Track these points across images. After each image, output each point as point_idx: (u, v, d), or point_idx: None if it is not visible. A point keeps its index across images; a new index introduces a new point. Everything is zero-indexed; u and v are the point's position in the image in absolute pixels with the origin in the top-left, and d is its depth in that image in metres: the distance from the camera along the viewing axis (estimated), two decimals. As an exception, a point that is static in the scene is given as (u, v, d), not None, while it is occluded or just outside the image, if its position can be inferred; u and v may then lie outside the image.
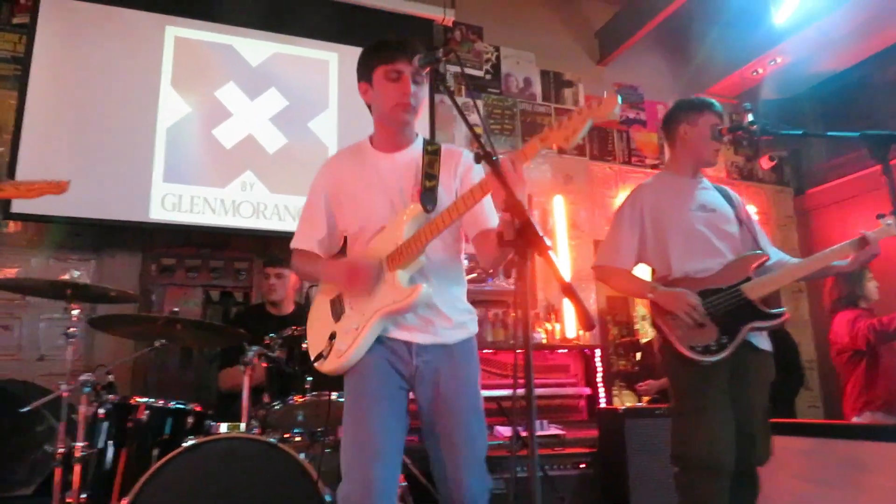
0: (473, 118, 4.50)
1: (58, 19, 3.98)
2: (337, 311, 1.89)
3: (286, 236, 4.08)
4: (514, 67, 5.52)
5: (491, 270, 4.47)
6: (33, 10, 3.98)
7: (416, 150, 1.97)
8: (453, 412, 1.80)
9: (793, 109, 5.74)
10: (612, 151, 5.71)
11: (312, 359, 1.88)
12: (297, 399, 2.55)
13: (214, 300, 4.10)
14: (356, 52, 4.61)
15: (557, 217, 5.20)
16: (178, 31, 4.19)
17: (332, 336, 1.84)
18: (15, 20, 4.13)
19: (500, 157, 1.56)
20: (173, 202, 3.94)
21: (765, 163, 6.13)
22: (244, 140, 4.18)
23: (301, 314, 3.49)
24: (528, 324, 1.35)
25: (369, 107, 2.01)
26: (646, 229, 2.50)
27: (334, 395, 2.51)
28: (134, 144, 3.93)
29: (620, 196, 5.55)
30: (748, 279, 2.36)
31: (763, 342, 2.40)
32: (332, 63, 4.51)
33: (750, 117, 2.56)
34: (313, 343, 1.93)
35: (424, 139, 2.02)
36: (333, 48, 4.51)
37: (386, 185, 1.91)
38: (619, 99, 1.49)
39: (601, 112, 1.51)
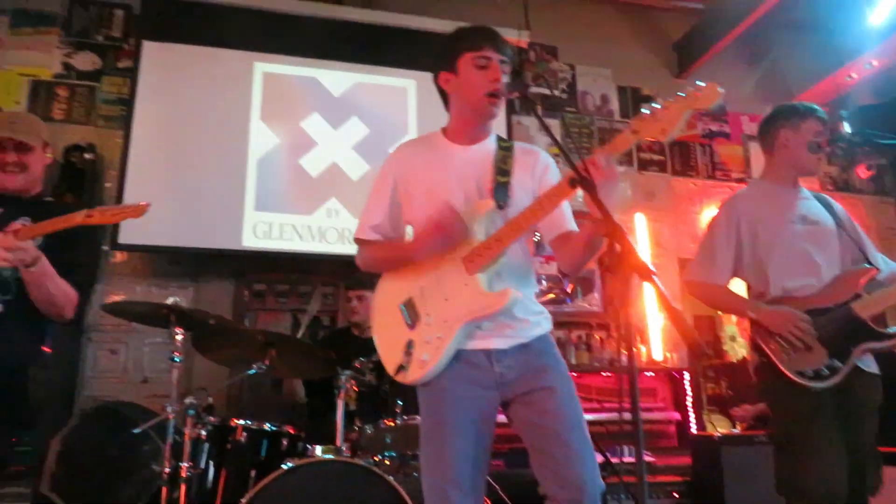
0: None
1: (158, 62, 4.26)
2: (411, 317, 1.80)
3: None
4: (591, 85, 5.47)
5: (571, 274, 4.33)
6: (136, 55, 4.29)
7: (491, 144, 1.91)
8: (552, 406, 1.71)
9: (891, 114, 5.40)
10: (694, 166, 5.54)
11: (392, 371, 1.78)
12: (388, 422, 2.58)
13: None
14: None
15: (639, 235, 5.09)
16: (265, 67, 4.41)
17: (410, 345, 1.75)
18: (120, 64, 4.47)
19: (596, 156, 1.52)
20: (264, 230, 4.11)
21: (862, 172, 5.78)
22: (329, 168, 4.33)
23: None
24: (632, 349, 1.32)
25: (445, 99, 1.94)
26: (742, 242, 2.38)
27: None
28: (227, 176, 4.14)
29: (705, 212, 5.38)
30: (858, 296, 2.22)
31: (871, 364, 2.26)
32: (411, 90, 4.62)
33: (847, 126, 2.42)
34: (387, 353, 1.83)
35: (497, 135, 1.96)
36: (412, 75, 4.62)
37: (461, 177, 1.84)
38: (720, 89, 1.43)
39: (701, 102, 1.44)
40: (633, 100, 5.52)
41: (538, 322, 1.83)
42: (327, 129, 4.39)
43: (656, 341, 4.88)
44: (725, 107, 5.72)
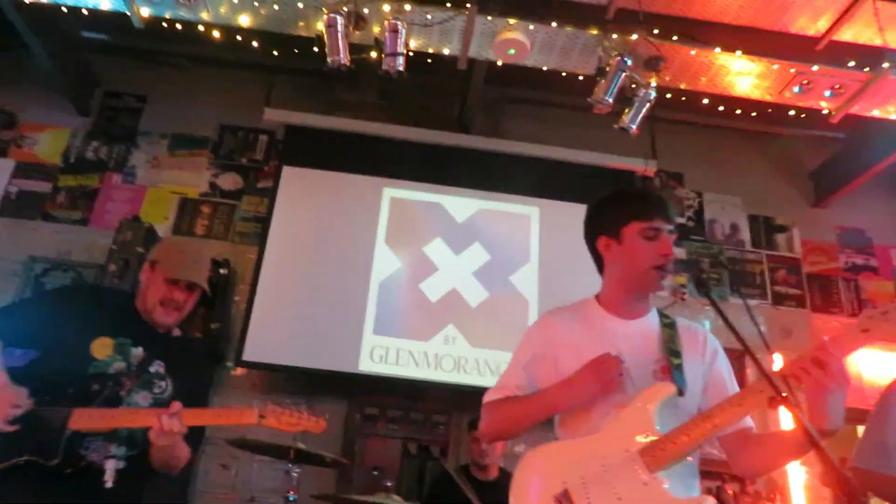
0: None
1: (295, 184, 4.51)
2: None
3: (484, 392, 4.08)
4: (719, 213, 5.24)
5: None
6: (276, 177, 4.57)
7: (652, 321, 1.75)
8: None
9: None
10: (837, 302, 5.07)
11: None
12: None
13: (412, 453, 4.07)
14: (557, 205, 4.70)
15: (776, 378, 4.63)
16: (393, 193, 4.55)
17: None
18: (259, 185, 4.76)
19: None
20: (381, 354, 4.08)
21: None
22: (448, 294, 4.30)
23: (508, 480, 3.34)
24: None
25: (599, 262, 1.81)
26: None
27: None
28: (350, 298, 4.19)
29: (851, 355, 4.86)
30: None
31: None
32: (534, 217, 4.59)
33: None
34: None
35: (657, 309, 1.79)
36: (535, 203, 4.61)
37: (621, 353, 1.65)
38: None
39: None
40: (765, 229, 5.22)
41: None
42: (449, 255, 4.40)
43: (799, 501, 4.33)
44: (872, 239, 5.28)
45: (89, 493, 1.78)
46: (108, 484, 1.80)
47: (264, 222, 4.45)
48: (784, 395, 1.30)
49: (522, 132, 5.05)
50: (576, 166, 4.70)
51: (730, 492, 4.31)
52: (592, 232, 1.81)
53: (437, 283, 4.31)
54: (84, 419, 1.78)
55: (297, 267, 4.28)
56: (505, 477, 3.38)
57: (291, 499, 2.74)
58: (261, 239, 4.38)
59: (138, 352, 1.96)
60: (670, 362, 1.64)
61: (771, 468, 1.56)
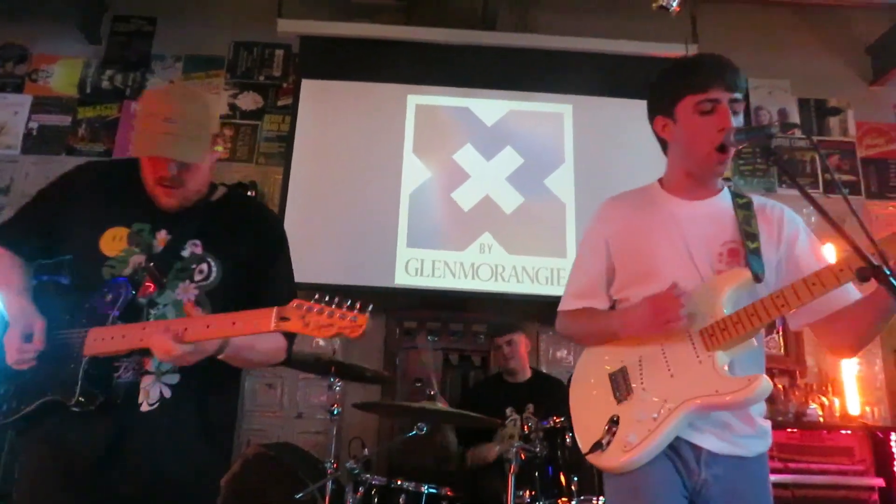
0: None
1: (315, 98, 4.33)
2: (620, 389, 1.53)
3: (523, 299, 4.00)
4: (766, 98, 4.90)
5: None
6: (295, 93, 4.38)
7: (724, 201, 1.61)
8: None
9: None
10: (895, 187, 4.78)
11: (586, 448, 1.50)
12: (562, 502, 2.31)
13: (453, 363, 4.07)
14: (591, 101, 4.43)
15: (830, 269, 4.43)
16: (418, 99, 4.33)
17: (614, 421, 1.48)
18: (279, 103, 4.59)
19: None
20: (416, 267, 4.00)
21: None
22: (482, 201, 4.15)
23: (540, 381, 3.35)
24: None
25: (663, 144, 1.68)
26: None
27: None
28: (381, 211, 4.09)
29: (912, 241, 4.61)
30: None
31: None
32: (567, 116, 4.34)
33: None
34: (583, 426, 1.56)
35: (730, 189, 1.65)
36: (568, 100, 4.35)
37: (684, 235, 1.57)
38: None
39: None
40: (817, 113, 4.87)
41: (763, 433, 1.53)
42: (480, 161, 4.21)
43: (852, 392, 4.24)
44: (933, 115, 4.90)
45: (124, 421, 1.48)
46: (143, 407, 1.49)
47: (287, 141, 4.30)
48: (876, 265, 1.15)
49: (551, 25, 4.71)
50: (610, 58, 4.39)
51: (780, 386, 4.23)
52: (650, 112, 1.67)
53: (469, 191, 4.15)
54: (100, 342, 1.47)
55: (325, 184, 4.16)
56: (538, 378, 3.40)
57: (336, 412, 2.74)
58: (285, 158, 4.26)
59: (161, 235, 1.58)
60: (746, 246, 1.51)
61: (862, 339, 1.48)
